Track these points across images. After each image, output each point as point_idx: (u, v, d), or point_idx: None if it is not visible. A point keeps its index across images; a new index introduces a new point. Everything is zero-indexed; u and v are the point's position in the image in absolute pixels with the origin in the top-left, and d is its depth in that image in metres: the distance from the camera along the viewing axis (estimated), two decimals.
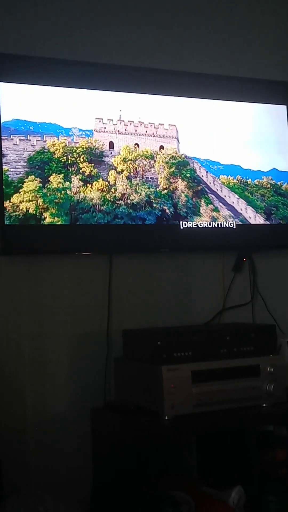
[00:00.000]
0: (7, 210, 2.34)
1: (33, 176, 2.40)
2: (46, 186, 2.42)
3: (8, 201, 2.35)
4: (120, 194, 2.54)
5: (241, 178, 2.80)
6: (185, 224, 2.63)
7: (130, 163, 2.59)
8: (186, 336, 2.29)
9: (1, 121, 2.36)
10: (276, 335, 2.46)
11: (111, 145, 2.57)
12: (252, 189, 2.81)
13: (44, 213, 2.40)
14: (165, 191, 2.63)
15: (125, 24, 2.67)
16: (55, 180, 2.44)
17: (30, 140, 2.42)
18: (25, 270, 2.46)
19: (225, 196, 2.75)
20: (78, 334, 2.51)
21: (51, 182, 2.43)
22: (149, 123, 2.63)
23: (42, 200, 2.40)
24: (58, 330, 2.48)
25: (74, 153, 2.49)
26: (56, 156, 2.45)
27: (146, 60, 2.66)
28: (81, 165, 2.49)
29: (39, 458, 2.40)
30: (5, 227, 2.34)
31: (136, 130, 2.62)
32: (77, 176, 2.48)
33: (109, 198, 2.52)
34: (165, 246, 2.63)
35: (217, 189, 2.74)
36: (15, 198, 2.36)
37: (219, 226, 2.70)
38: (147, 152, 2.63)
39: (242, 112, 2.81)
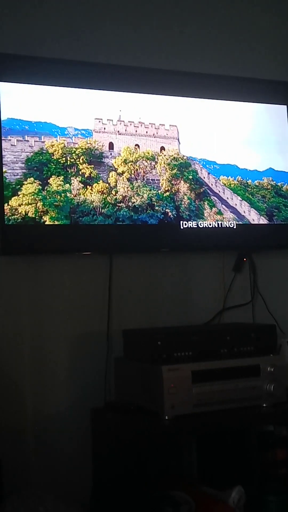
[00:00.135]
0: (5, 214, 2.31)
1: (32, 178, 2.37)
2: (45, 188, 2.40)
3: (6, 204, 2.32)
4: (121, 196, 2.53)
5: (241, 179, 2.79)
6: (185, 224, 2.62)
7: (131, 164, 2.57)
8: (186, 336, 2.29)
9: (0, 121, 2.35)
10: (276, 335, 2.46)
11: (111, 145, 2.56)
12: (252, 190, 2.80)
13: (43, 217, 2.37)
14: (167, 193, 2.61)
15: (125, 24, 2.67)
16: (55, 182, 2.42)
17: (28, 140, 2.39)
18: (25, 270, 2.46)
19: (227, 198, 2.74)
20: (78, 334, 2.51)
21: (51, 185, 2.41)
22: (149, 123, 2.62)
23: (41, 203, 2.37)
24: (58, 330, 2.49)
25: (74, 154, 2.47)
26: (55, 157, 2.43)
27: (146, 60, 2.66)
28: (80, 166, 2.48)
29: (39, 458, 2.40)
30: (5, 227, 2.33)
31: (136, 131, 2.60)
32: (77, 178, 2.46)
33: (110, 201, 2.50)
34: (165, 246, 2.63)
35: (219, 191, 2.73)
36: (13, 201, 2.33)
37: (220, 226, 2.69)
38: (148, 153, 2.61)
39: (242, 112, 2.81)
